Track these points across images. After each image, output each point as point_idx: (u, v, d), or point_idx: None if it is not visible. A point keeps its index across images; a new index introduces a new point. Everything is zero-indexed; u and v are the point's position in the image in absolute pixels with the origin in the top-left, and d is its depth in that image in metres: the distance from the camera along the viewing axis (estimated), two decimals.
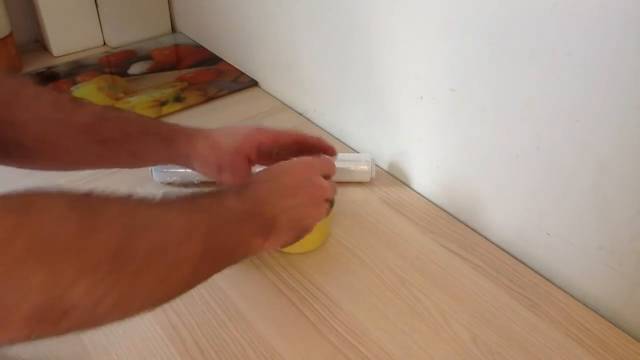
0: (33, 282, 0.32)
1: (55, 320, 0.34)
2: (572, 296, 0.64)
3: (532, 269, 0.67)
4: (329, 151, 0.67)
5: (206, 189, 0.48)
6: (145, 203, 0.42)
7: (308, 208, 0.55)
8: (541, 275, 0.66)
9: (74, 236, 0.35)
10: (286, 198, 0.53)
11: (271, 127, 0.66)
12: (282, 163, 0.58)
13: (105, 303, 0.36)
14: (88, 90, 1.01)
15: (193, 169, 0.66)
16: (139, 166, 0.69)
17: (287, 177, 0.55)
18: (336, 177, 0.77)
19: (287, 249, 0.68)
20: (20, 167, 0.59)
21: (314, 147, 0.66)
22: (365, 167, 0.78)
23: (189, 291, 0.45)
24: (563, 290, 0.64)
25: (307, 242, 0.68)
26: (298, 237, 0.55)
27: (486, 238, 0.71)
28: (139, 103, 0.97)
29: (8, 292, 0.31)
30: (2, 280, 0.31)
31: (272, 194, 0.52)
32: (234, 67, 1.08)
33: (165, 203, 0.44)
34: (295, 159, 0.59)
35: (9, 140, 0.55)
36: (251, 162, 0.65)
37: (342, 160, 0.78)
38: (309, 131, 0.90)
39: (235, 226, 0.48)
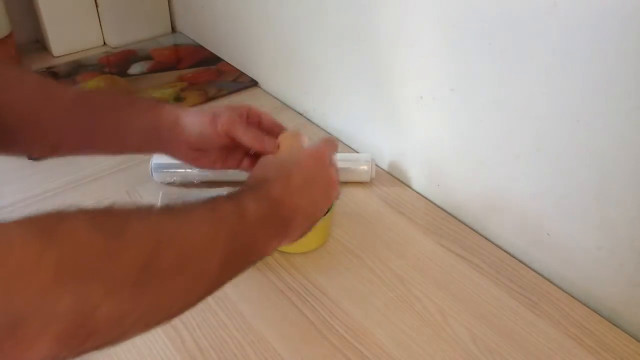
0: (60, 307, 0.32)
1: (81, 341, 0.34)
2: (572, 296, 0.64)
3: (532, 269, 0.67)
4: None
5: (224, 192, 0.48)
6: (167, 213, 0.42)
7: (320, 203, 0.55)
8: (541, 275, 0.66)
9: (99, 259, 0.34)
10: (301, 196, 0.52)
11: (230, 114, 0.61)
12: (290, 155, 0.57)
13: (129, 319, 0.36)
14: None
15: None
16: (124, 150, 0.66)
17: (298, 172, 0.54)
18: None
19: (287, 249, 0.68)
20: (1, 153, 0.59)
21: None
22: (365, 167, 0.78)
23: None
24: (563, 290, 0.64)
25: (307, 242, 0.68)
26: (307, 232, 0.55)
27: (486, 238, 0.71)
28: None
29: (35, 317, 0.31)
30: (29, 305, 0.31)
31: (287, 193, 0.52)
32: (234, 67, 1.08)
33: (187, 211, 0.43)
34: (302, 148, 0.58)
35: None
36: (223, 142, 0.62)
37: (342, 160, 0.78)
38: (309, 131, 0.90)
39: (254, 231, 0.48)
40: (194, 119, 0.61)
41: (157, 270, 0.38)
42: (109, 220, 0.37)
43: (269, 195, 0.50)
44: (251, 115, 0.64)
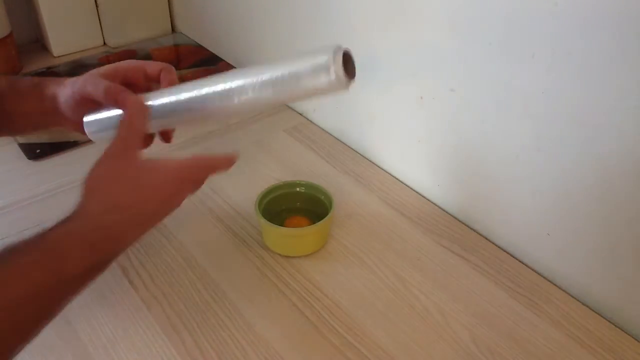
0: None
1: None
2: (572, 296, 0.64)
3: (532, 269, 0.67)
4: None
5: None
6: None
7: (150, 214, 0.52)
8: (541, 275, 0.66)
9: None
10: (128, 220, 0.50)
11: (88, 77, 0.58)
12: (136, 170, 0.54)
13: None
14: None
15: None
16: (20, 133, 0.69)
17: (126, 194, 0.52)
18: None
19: (287, 253, 0.68)
20: None
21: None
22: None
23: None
24: (563, 290, 0.64)
25: (306, 246, 0.68)
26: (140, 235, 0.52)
27: (486, 238, 0.71)
28: None
29: None
30: None
31: (104, 214, 0.50)
32: (234, 67, 1.08)
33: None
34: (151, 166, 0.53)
35: None
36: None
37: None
38: (309, 131, 0.90)
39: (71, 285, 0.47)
40: (68, 93, 0.59)
41: None
42: None
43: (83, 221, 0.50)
44: (131, 72, 0.59)
